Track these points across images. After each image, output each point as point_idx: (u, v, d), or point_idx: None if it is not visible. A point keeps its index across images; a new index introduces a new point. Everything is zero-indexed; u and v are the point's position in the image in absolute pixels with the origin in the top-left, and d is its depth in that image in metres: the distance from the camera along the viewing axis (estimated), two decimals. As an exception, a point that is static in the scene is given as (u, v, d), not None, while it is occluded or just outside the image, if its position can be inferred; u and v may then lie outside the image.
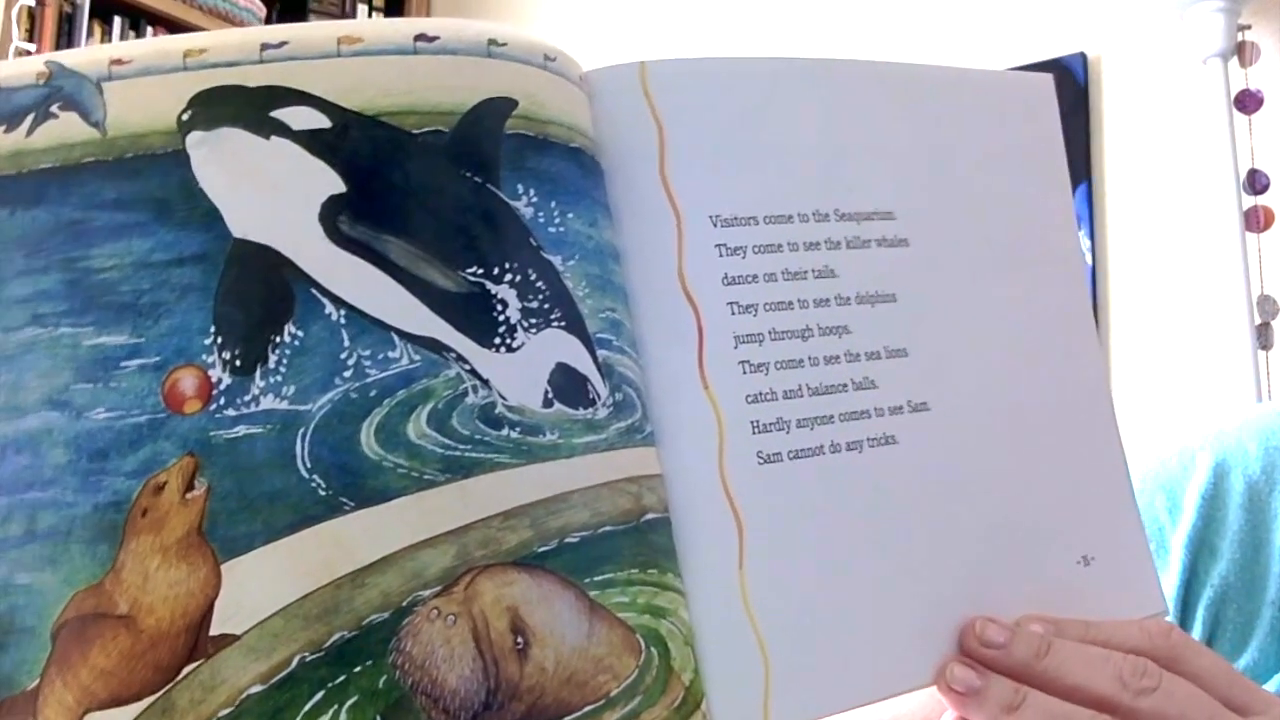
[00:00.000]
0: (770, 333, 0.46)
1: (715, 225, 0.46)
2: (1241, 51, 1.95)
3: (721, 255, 0.46)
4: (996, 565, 0.48)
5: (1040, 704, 0.44)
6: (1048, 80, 0.56)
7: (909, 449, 0.47)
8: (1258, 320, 1.88)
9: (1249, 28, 1.95)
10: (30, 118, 0.39)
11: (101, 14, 2.51)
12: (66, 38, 2.42)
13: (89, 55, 0.40)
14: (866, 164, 0.50)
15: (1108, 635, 0.46)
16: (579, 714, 0.39)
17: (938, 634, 0.46)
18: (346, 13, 2.88)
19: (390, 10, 2.99)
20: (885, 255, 0.49)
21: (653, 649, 0.41)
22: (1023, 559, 0.49)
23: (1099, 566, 0.50)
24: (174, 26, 2.55)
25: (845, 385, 0.47)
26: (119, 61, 0.40)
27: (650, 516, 0.42)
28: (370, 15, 2.90)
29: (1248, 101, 1.95)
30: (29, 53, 2.26)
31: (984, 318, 0.51)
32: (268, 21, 2.66)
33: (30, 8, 2.37)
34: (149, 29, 2.54)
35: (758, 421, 0.45)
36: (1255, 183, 1.93)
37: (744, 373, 0.45)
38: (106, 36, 2.47)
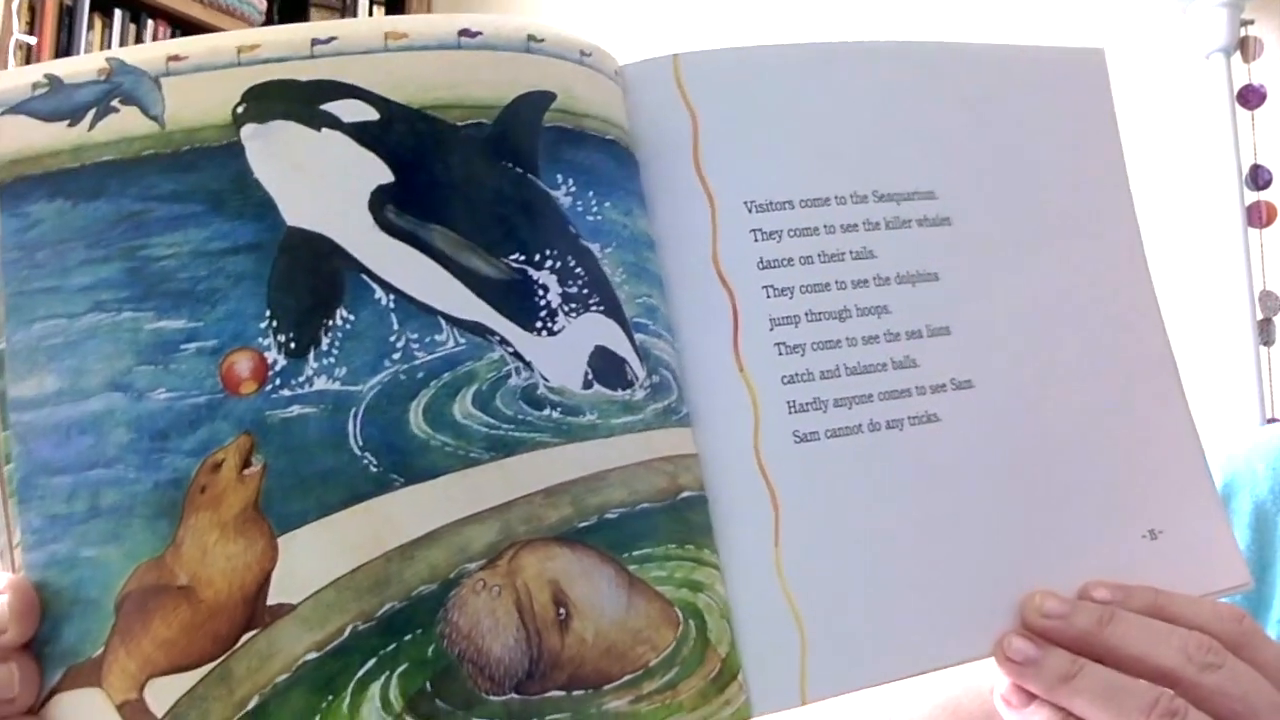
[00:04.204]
0: (807, 314, 0.47)
1: (750, 211, 0.47)
2: (1244, 46, 1.93)
3: (756, 240, 0.47)
4: (1058, 540, 0.49)
5: (1097, 674, 0.44)
6: (1100, 53, 0.56)
7: (952, 426, 0.48)
8: (1259, 316, 1.86)
9: (1251, 22, 1.93)
10: (92, 112, 0.41)
11: (102, 7, 2.50)
12: (67, 31, 2.42)
13: (147, 52, 0.42)
14: (907, 144, 0.51)
15: (1178, 608, 0.46)
16: (618, 684, 0.41)
17: (996, 607, 0.47)
18: (347, 9, 2.87)
19: (391, 9, 2.96)
20: (926, 235, 0.50)
21: (690, 622, 0.42)
22: (1086, 533, 0.49)
23: (1167, 540, 0.50)
24: (175, 20, 2.55)
25: (885, 364, 0.48)
26: (176, 58, 0.41)
27: (686, 494, 0.44)
28: (370, 13, 2.88)
29: (1250, 97, 1.93)
30: (29, 46, 2.28)
31: (1034, 294, 0.51)
32: (268, 18, 2.67)
33: (31, 1, 2.39)
34: (149, 22, 2.53)
35: (794, 401, 0.46)
36: (1258, 178, 1.91)
37: (779, 354, 0.47)
38: (107, 30, 2.48)
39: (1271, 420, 1.81)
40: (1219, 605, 0.47)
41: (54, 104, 0.41)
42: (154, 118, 0.41)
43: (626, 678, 0.41)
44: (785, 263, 0.47)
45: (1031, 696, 0.46)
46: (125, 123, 0.41)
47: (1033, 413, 0.50)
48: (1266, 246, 1.92)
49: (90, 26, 2.47)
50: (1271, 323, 1.88)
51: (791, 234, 0.48)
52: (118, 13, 2.53)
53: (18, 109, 0.41)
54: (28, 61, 2.31)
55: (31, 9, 2.39)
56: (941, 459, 0.48)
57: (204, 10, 2.59)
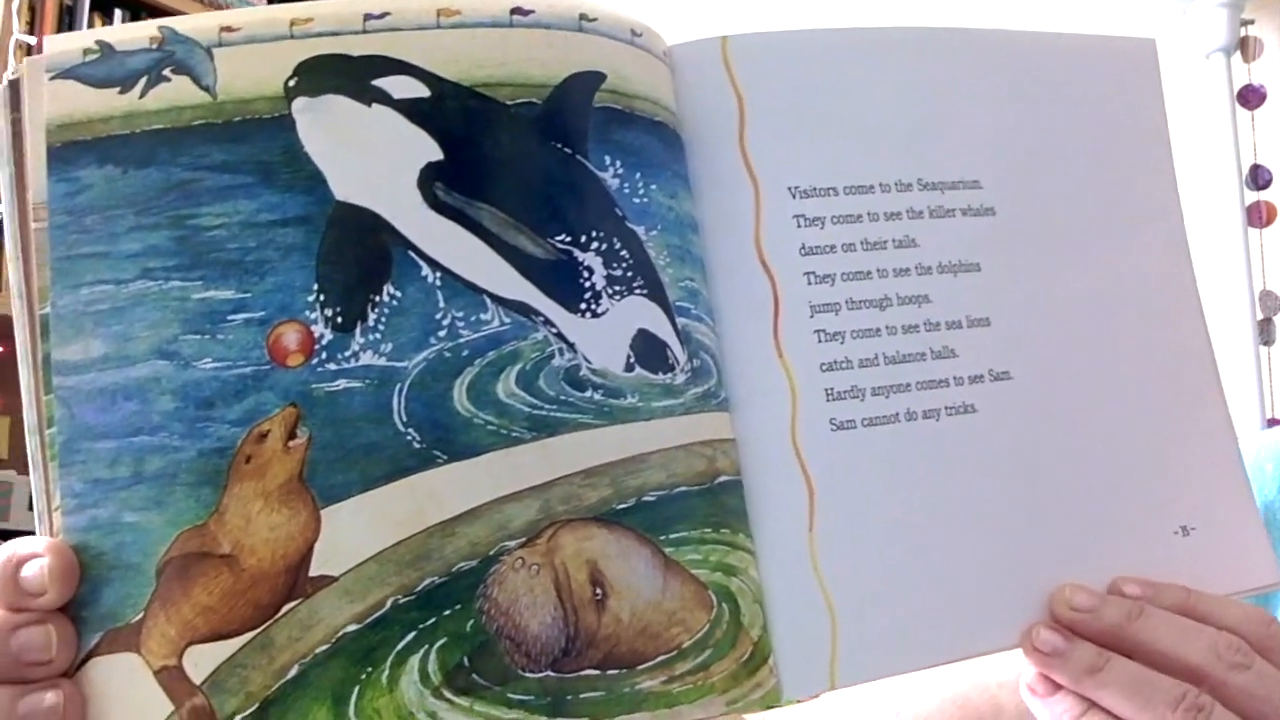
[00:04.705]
0: (847, 302, 0.47)
1: (794, 196, 0.47)
2: (1244, 46, 1.92)
3: (799, 226, 0.47)
4: (1089, 533, 0.49)
5: (1124, 668, 0.44)
6: (1151, 44, 0.56)
7: (989, 417, 0.48)
8: (1259, 316, 1.86)
9: (1252, 22, 1.92)
10: (144, 80, 0.41)
11: (102, 7, 2.50)
12: (67, 30, 2.42)
13: (200, 22, 0.42)
14: (953, 132, 0.51)
15: (1207, 608, 0.46)
16: (652, 664, 0.41)
17: (1026, 599, 0.47)
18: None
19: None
20: (970, 224, 0.50)
21: (723, 605, 0.43)
22: (1117, 528, 0.49)
23: (1199, 537, 0.50)
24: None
25: (924, 354, 0.48)
26: (228, 29, 0.42)
27: (723, 479, 0.44)
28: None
29: (1250, 97, 1.92)
30: (29, 45, 2.27)
31: (1076, 286, 0.51)
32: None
33: (31, 0, 2.38)
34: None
35: (832, 389, 0.46)
36: (1258, 178, 1.91)
37: (819, 341, 0.47)
38: (107, 29, 2.48)
39: (1272, 420, 1.81)
40: (1248, 607, 0.47)
41: (105, 70, 0.41)
42: (205, 88, 0.41)
43: (660, 658, 0.41)
44: (827, 249, 0.47)
45: (1057, 685, 0.46)
46: (177, 92, 0.41)
47: (1069, 405, 0.50)
48: (1266, 246, 1.91)
49: (90, 26, 2.46)
50: (1271, 322, 1.88)
51: (835, 221, 0.48)
52: (118, 12, 2.52)
53: (68, 74, 0.41)
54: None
55: (31, 8, 2.38)
56: (977, 450, 0.48)
57: (203, 9, 2.58)
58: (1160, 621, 0.46)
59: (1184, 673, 0.44)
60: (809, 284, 0.47)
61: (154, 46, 0.41)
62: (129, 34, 0.42)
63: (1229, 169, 1.84)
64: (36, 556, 0.38)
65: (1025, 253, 0.51)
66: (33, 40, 2.35)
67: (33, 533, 0.40)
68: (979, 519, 0.48)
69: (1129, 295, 0.52)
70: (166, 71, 0.41)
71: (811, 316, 0.47)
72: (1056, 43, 0.54)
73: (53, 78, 0.41)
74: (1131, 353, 0.52)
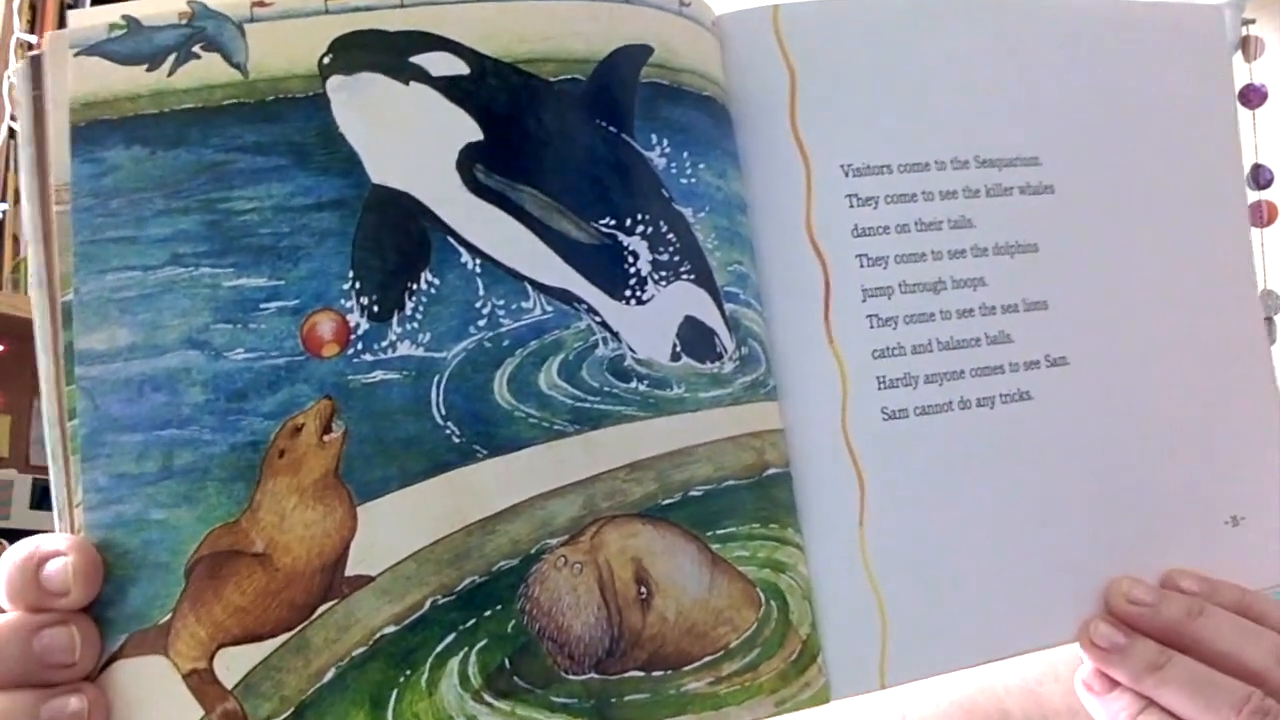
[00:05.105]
0: (900, 286, 0.45)
1: (846, 175, 0.45)
2: (1246, 46, 1.87)
3: (852, 206, 0.45)
4: (1141, 524, 0.47)
5: (1186, 666, 0.43)
6: (1218, 11, 0.53)
7: (1044, 405, 0.46)
8: (1261, 315, 1.83)
9: (1253, 22, 1.88)
10: (172, 57, 0.39)
11: (103, 6, 2.50)
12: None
13: (230, -4, 0.40)
14: (1011, 106, 0.48)
15: (1263, 608, 0.45)
16: (698, 664, 0.40)
17: (1079, 592, 0.46)
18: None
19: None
20: (1027, 203, 0.48)
21: (772, 603, 0.41)
22: (1169, 518, 0.48)
23: (1249, 526, 0.49)
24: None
25: (978, 340, 0.46)
26: (261, 3, 0.40)
27: (772, 471, 0.42)
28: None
29: (1252, 96, 1.88)
30: (30, 44, 2.26)
31: (1134, 268, 0.49)
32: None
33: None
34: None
35: (884, 377, 0.45)
36: (1259, 178, 1.87)
37: (871, 327, 0.45)
38: (109, 28, 2.47)
39: None
40: None
41: (131, 47, 0.39)
42: (237, 65, 0.39)
43: (706, 658, 0.40)
44: (881, 231, 0.45)
45: (1114, 683, 0.45)
46: (207, 70, 0.39)
47: (1126, 392, 0.48)
48: (1268, 246, 1.88)
49: (90, 26, 2.45)
50: (1273, 322, 1.85)
51: (888, 200, 0.46)
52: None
53: (93, 50, 0.39)
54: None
55: (32, 8, 2.36)
56: (1031, 439, 0.46)
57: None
58: (1223, 621, 0.44)
59: (1243, 675, 0.43)
60: (861, 267, 0.45)
61: (183, 22, 0.40)
62: (157, 8, 0.40)
63: (1230, 169, 1.82)
64: (59, 554, 0.36)
65: (1084, 233, 0.49)
66: (34, 39, 2.34)
67: (33, 532, 0.38)
68: (1033, 510, 0.46)
69: (1187, 278, 0.50)
70: (196, 48, 0.39)
71: (864, 301, 0.45)
72: (1118, 10, 0.52)
73: (77, 54, 0.39)
74: (1186, 338, 0.50)
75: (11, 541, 0.39)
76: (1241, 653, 0.43)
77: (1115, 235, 0.49)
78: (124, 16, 0.39)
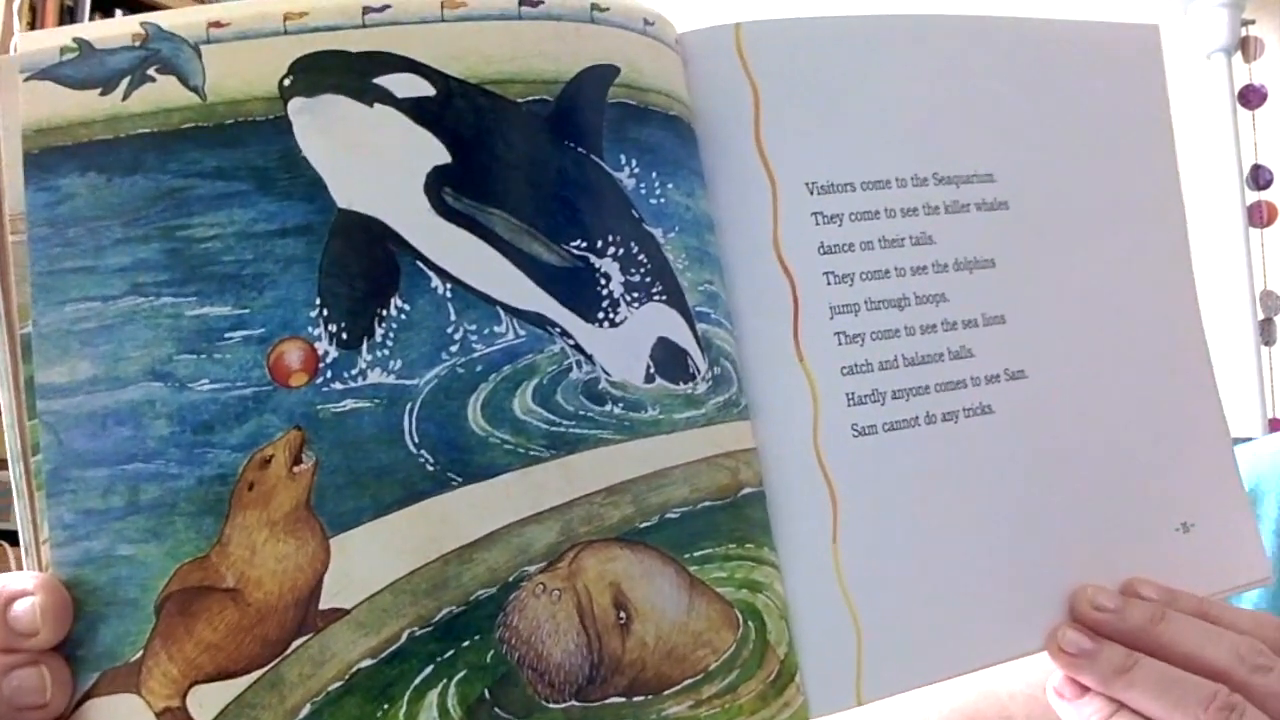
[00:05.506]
0: (866, 302, 0.45)
1: (811, 192, 0.45)
2: (1245, 46, 1.92)
3: (818, 223, 0.45)
4: (1097, 533, 0.48)
5: (1153, 668, 0.44)
6: (1155, 30, 0.54)
7: (1006, 418, 0.47)
8: (1260, 316, 1.87)
9: (1253, 22, 1.92)
10: (127, 81, 0.38)
11: (103, 7, 2.46)
12: None
13: (186, 17, 0.39)
14: (967, 124, 0.49)
15: (1220, 613, 0.46)
16: (678, 688, 0.39)
17: (1044, 601, 0.46)
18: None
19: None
20: (984, 219, 0.48)
21: (750, 623, 0.41)
22: (1122, 526, 0.48)
23: (1199, 533, 0.50)
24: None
25: (942, 355, 0.46)
26: (217, 24, 0.39)
27: (746, 491, 0.42)
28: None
29: (1251, 97, 1.93)
30: None
31: (1084, 281, 0.50)
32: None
33: (32, 1, 2.33)
34: (152, 21, 2.51)
35: (853, 393, 0.45)
36: (1258, 178, 1.91)
37: (839, 344, 0.45)
38: (108, 30, 2.47)
39: (1273, 420, 1.82)
40: (1259, 614, 0.47)
41: (84, 70, 0.38)
42: (194, 89, 0.38)
43: (686, 682, 0.39)
44: (846, 248, 0.45)
45: (1084, 688, 0.46)
46: (163, 93, 0.38)
47: (1079, 403, 0.49)
48: (1267, 246, 1.92)
49: (90, 27, 2.44)
50: (1272, 322, 1.89)
51: (853, 218, 0.46)
52: (118, 12, 2.48)
53: (44, 74, 0.38)
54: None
55: (33, 9, 2.33)
56: (993, 451, 0.47)
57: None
58: (1184, 624, 0.45)
59: (1206, 674, 0.44)
60: (828, 284, 0.45)
61: (137, 44, 0.39)
62: (109, 31, 0.39)
63: (1230, 169, 1.85)
64: (26, 594, 0.36)
65: (1038, 248, 0.49)
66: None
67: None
68: (997, 522, 0.47)
69: (1132, 289, 0.51)
70: (151, 71, 0.38)
71: (831, 318, 0.45)
72: (1060, 30, 0.53)
73: (27, 78, 0.38)
74: (1133, 349, 0.51)
75: (11, 542, 0.38)
76: (1204, 653, 0.44)
77: (1066, 249, 0.50)
78: (75, 39, 0.38)
